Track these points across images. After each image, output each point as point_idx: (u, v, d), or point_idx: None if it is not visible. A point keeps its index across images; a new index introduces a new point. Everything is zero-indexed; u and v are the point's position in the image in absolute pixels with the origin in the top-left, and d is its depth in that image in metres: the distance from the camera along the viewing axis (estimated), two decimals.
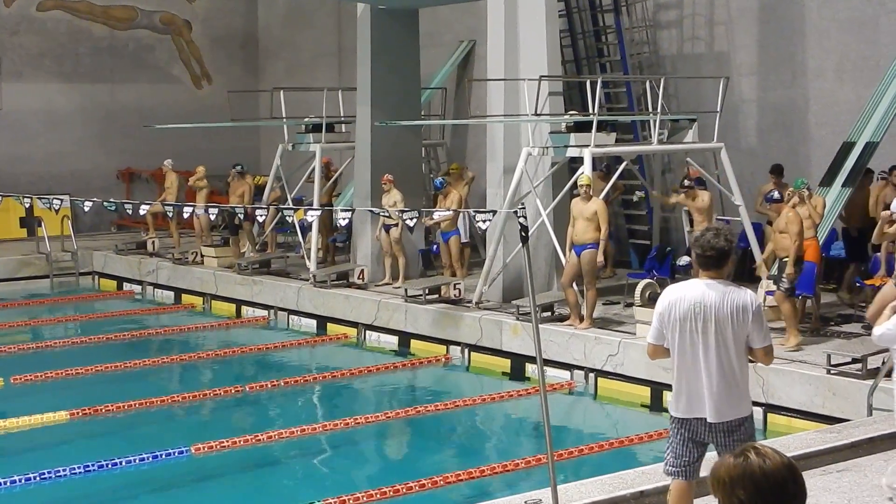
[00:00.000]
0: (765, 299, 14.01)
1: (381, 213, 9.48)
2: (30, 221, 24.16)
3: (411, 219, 8.85)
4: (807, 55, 17.94)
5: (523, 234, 7.73)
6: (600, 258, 14.45)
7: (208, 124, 23.77)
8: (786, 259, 13.15)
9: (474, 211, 8.03)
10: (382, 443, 12.88)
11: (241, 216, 18.21)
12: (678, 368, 6.63)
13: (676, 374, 6.66)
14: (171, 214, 16.98)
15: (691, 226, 15.45)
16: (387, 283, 17.99)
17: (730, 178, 16.11)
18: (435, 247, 18.71)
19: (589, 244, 14.38)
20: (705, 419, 6.52)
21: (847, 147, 15.54)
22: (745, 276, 15.46)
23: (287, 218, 18.83)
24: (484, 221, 7.82)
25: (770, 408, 12.00)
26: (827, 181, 15.50)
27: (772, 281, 13.89)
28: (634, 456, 11.28)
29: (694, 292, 6.53)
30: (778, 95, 18.43)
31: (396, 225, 17.16)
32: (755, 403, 11.98)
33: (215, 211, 13.43)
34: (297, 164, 21.06)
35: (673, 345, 6.64)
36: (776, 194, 14.01)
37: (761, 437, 11.68)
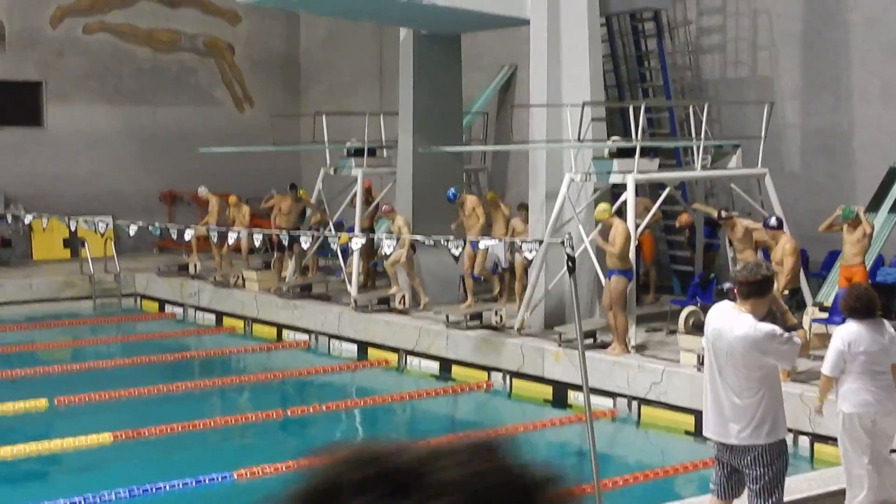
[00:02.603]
0: (811, 327, 13.92)
1: (426, 242, 9.50)
2: (73, 242, 24.30)
3: (457, 247, 8.85)
4: (851, 79, 17.82)
5: (570, 264, 7.73)
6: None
7: (251, 148, 23.88)
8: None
9: (520, 240, 8.03)
10: None
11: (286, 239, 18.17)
12: (705, 387, 7.01)
13: (704, 392, 7.05)
14: (215, 239, 17.04)
15: (734, 252, 15.36)
16: (424, 309, 17.93)
17: (774, 203, 16.00)
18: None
19: (615, 270, 14.39)
20: (723, 442, 6.85)
21: (892, 173, 15.44)
22: (793, 303, 15.31)
23: (332, 245, 18.85)
24: (530, 251, 7.81)
25: (817, 437, 11.87)
26: (873, 206, 15.38)
27: (817, 308, 13.82)
28: (678, 485, 11.21)
29: (717, 318, 6.89)
30: (822, 120, 18.31)
31: (402, 247, 16.96)
32: (801, 433, 11.98)
33: (259, 237, 13.48)
34: (339, 188, 21.09)
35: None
36: (773, 221, 14.03)
37: (807, 467, 11.59)
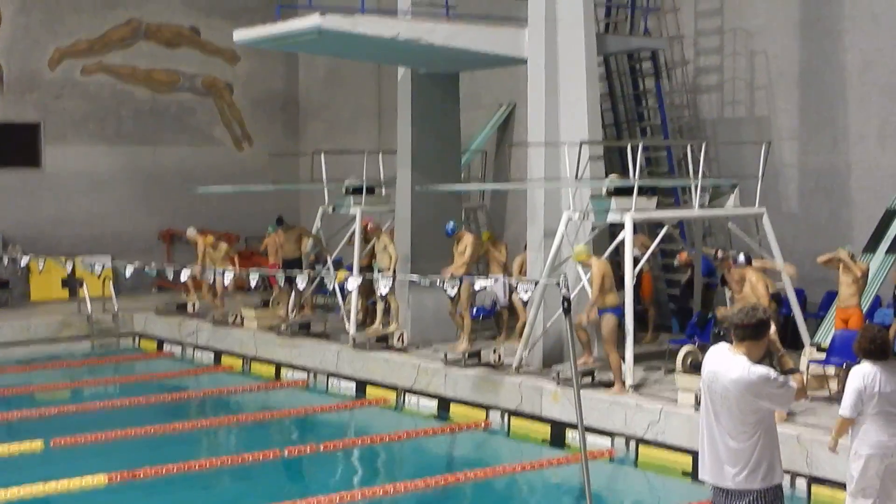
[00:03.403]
0: (808, 368, 13.89)
1: (421, 282, 9.43)
2: (71, 282, 24.31)
3: (452, 287, 8.86)
4: (848, 120, 17.86)
5: (566, 305, 7.72)
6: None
7: (250, 188, 23.96)
8: None
9: (517, 279, 8.04)
10: None
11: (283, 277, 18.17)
12: (701, 430, 6.94)
13: (700, 434, 6.97)
14: (212, 279, 17.03)
15: (732, 292, 15.35)
16: (425, 346, 17.93)
17: (771, 243, 16.00)
18: (475, 310, 18.49)
19: (605, 309, 14.48)
20: (719, 486, 6.79)
21: (890, 214, 15.45)
22: (789, 342, 15.30)
23: (328, 285, 18.87)
24: (526, 291, 7.83)
25: (814, 480, 11.81)
26: (870, 247, 15.38)
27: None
28: None
29: (714, 361, 6.84)
30: (819, 160, 18.33)
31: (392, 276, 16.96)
32: (798, 474, 11.92)
33: (256, 276, 13.49)
34: (338, 227, 21.12)
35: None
36: (742, 257, 14.28)
37: None
